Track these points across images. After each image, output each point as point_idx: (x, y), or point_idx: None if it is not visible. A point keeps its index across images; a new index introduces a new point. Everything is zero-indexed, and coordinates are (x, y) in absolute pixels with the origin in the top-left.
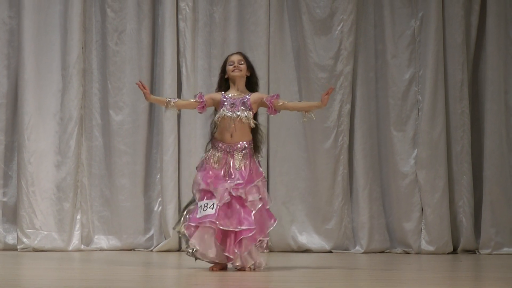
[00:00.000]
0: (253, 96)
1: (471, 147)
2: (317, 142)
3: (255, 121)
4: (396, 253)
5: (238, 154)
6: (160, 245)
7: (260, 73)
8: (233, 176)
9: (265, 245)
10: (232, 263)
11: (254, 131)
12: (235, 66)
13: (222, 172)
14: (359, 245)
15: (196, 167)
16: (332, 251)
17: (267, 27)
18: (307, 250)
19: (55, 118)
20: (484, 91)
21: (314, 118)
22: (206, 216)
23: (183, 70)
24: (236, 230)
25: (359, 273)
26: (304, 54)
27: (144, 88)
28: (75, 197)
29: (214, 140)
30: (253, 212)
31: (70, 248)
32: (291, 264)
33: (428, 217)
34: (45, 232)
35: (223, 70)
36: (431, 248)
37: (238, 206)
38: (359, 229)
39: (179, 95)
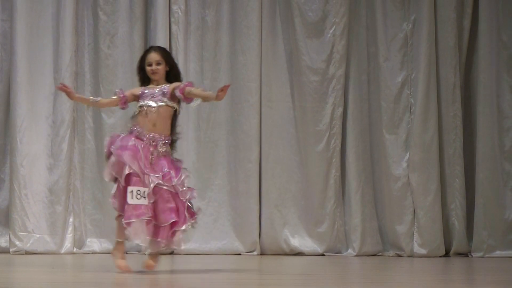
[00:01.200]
0: (171, 86)
1: (464, 150)
2: (310, 145)
3: (175, 106)
4: (389, 256)
5: (161, 146)
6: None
7: (253, 76)
8: (157, 167)
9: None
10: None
11: (172, 124)
12: (152, 69)
13: (146, 159)
14: (352, 248)
15: (111, 137)
16: (325, 254)
17: (260, 30)
18: (299, 253)
19: (47, 121)
20: (476, 94)
21: (197, 104)
22: (140, 206)
23: None
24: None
25: (351, 276)
26: (297, 57)
27: (66, 88)
28: (68, 200)
29: (135, 126)
30: (186, 202)
31: (63, 251)
32: (284, 267)
33: (420, 220)
34: (38, 235)
35: (141, 67)
36: (423, 251)
37: (166, 195)
38: (352, 232)
39: None
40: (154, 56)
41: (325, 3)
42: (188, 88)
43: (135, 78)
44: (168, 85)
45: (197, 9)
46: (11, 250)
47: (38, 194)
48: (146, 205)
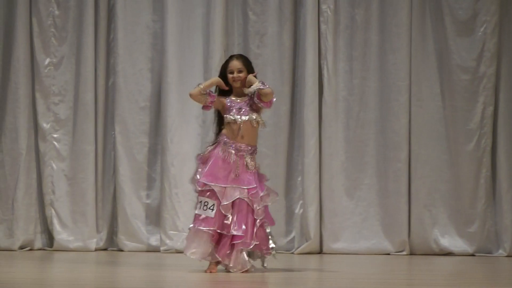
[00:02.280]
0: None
1: None
2: (460, 144)
3: (263, 121)
4: None
5: (248, 156)
6: (301, 247)
7: (402, 74)
8: (241, 179)
9: (265, 248)
10: (222, 264)
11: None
12: (234, 77)
13: (230, 172)
14: (502, 249)
15: (198, 156)
16: (475, 254)
17: (409, 28)
18: (449, 253)
19: (197, 120)
20: None
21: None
22: (205, 218)
23: (325, 72)
24: (229, 234)
25: (502, 277)
26: (447, 56)
27: None
28: None
29: (223, 136)
30: (257, 221)
31: None
32: (434, 267)
33: None
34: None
35: (223, 75)
36: None
37: (242, 210)
38: (503, 232)
39: (320, 97)
40: (236, 64)
41: (476, 1)
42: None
43: (285, 78)
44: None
45: (346, 8)
46: (161, 248)
47: (189, 193)
48: (212, 218)
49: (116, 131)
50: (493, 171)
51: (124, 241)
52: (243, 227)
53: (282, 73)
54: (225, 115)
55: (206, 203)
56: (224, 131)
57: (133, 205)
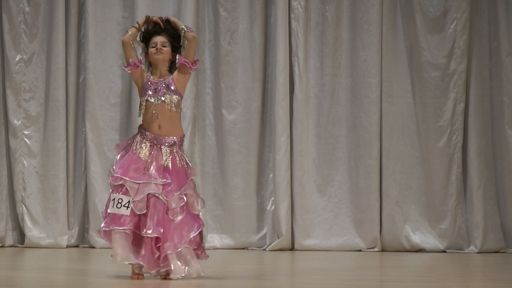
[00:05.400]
0: (174, 75)
1: None
2: (431, 141)
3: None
4: (511, 253)
5: (166, 149)
6: (273, 244)
7: (373, 71)
8: (156, 174)
9: (200, 252)
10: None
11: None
12: (157, 49)
13: (145, 165)
14: (474, 245)
15: (116, 147)
16: (446, 250)
17: (380, 25)
18: (420, 250)
19: None
20: None
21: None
22: (120, 216)
23: (296, 69)
24: (147, 236)
25: (473, 273)
26: (417, 53)
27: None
28: None
29: (142, 126)
30: (174, 221)
31: None
32: (405, 264)
33: None
34: None
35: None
36: None
37: (156, 208)
38: (474, 229)
39: (291, 94)
40: (160, 38)
41: None
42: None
43: (256, 74)
44: (171, 76)
45: (317, 5)
46: None
47: None
48: (128, 216)
49: (87, 128)
50: (464, 168)
51: (96, 238)
52: (160, 229)
53: (253, 70)
54: (140, 97)
55: (120, 200)
56: (143, 120)
57: (104, 202)
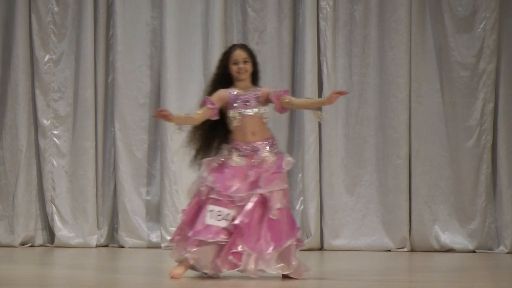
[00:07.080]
0: (263, 91)
1: None
2: (460, 141)
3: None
4: None
5: (263, 150)
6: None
7: (401, 71)
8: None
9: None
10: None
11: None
12: (240, 68)
13: (245, 176)
14: (503, 245)
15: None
16: (476, 251)
17: (409, 25)
18: (450, 250)
19: None
20: None
21: (326, 118)
22: (217, 229)
23: (324, 69)
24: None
25: (503, 273)
26: (446, 53)
27: (163, 112)
28: None
29: (233, 142)
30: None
31: None
32: (435, 264)
33: None
34: None
35: (224, 65)
36: None
37: (259, 217)
38: (503, 229)
39: (319, 93)
40: (240, 54)
41: None
42: (287, 97)
43: (284, 74)
44: (259, 89)
45: (346, 5)
46: (162, 245)
47: None
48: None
49: (115, 128)
50: (493, 168)
51: (125, 238)
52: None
53: (281, 69)
54: (228, 111)
55: (219, 212)
56: (232, 136)
57: (133, 202)
